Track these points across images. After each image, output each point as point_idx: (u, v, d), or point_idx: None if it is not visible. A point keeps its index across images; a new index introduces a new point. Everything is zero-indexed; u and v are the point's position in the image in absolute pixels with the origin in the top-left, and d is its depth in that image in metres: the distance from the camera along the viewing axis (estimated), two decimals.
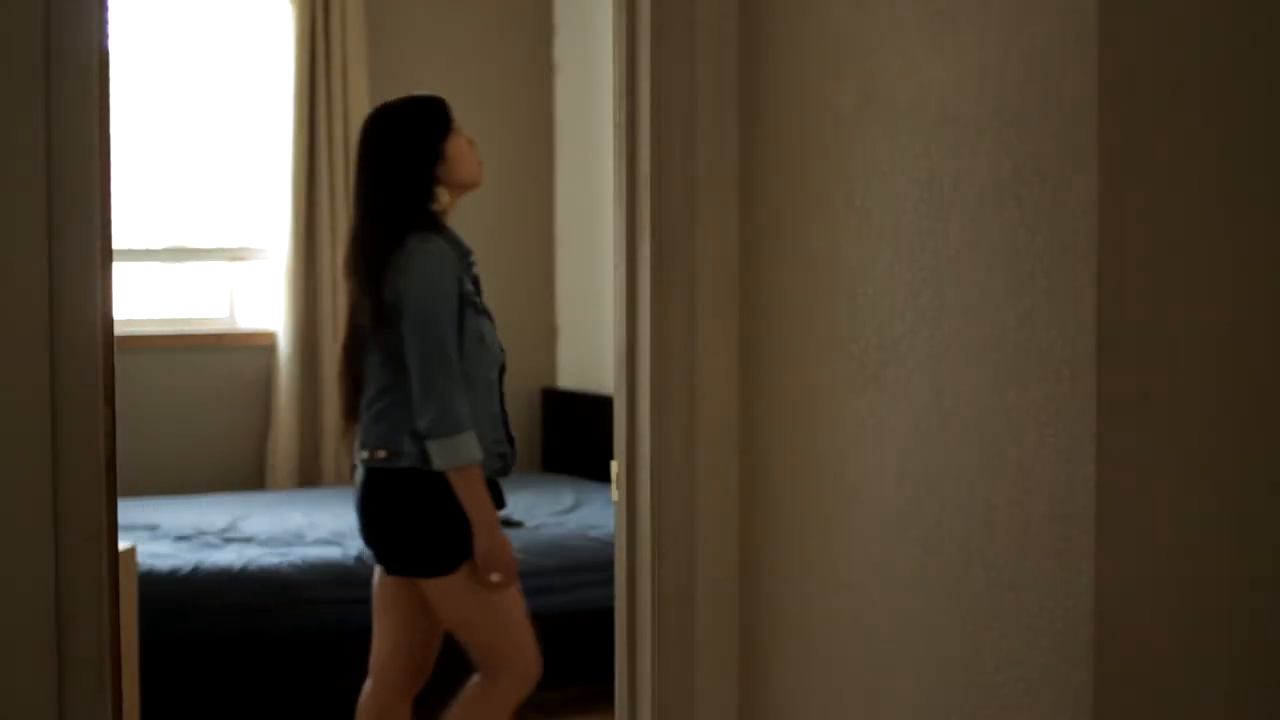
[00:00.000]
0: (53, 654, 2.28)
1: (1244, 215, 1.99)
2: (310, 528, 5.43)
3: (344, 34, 6.52)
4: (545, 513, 5.72)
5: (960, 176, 2.13)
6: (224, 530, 5.41)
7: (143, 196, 6.45)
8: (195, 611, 4.78)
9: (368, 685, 3.83)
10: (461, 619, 3.69)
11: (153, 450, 6.29)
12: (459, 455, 3.49)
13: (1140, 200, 1.93)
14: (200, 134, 6.57)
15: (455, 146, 3.65)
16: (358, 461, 3.69)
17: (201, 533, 5.36)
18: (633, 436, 2.74)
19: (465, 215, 6.98)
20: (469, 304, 3.58)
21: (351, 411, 3.69)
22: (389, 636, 3.77)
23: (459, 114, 3.70)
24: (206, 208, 6.62)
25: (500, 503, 3.67)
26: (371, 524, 3.70)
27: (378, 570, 3.78)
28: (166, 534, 5.32)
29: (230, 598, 4.83)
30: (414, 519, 3.61)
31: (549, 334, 6.98)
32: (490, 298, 3.71)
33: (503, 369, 3.71)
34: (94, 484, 2.30)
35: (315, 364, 6.59)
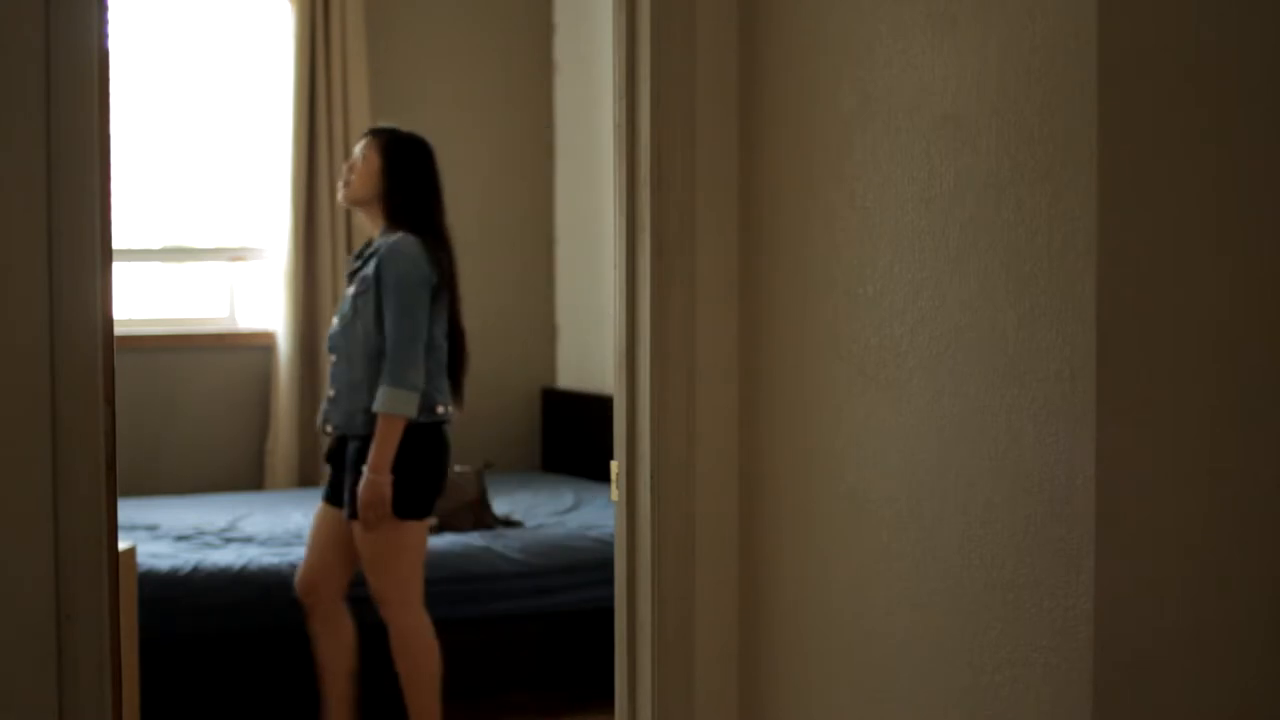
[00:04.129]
0: (53, 654, 2.28)
1: (1244, 214, 1.99)
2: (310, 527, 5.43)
3: (344, 34, 6.52)
4: (545, 513, 5.72)
5: (960, 176, 2.13)
6: (224, 530, 5.41)
7: (143, 196, 6.45)
8: (195, 611, 4.78)
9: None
10: None
11: (153, 450, 6.29)
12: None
13: (1140, 200, 1.93)
14: (200, 134, 6.57)
15: None
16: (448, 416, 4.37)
17: (201, 533, 5.35)
18: (633, 436, 2.74)
19: (465, 215, 7.00)
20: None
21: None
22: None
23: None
24: (206, 208, 6.62)
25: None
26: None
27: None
28: (166, 534, 5.32)
29: (230, 598, 4.83)
30: None
31: (549, 334, 6.97)
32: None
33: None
34: (94, 484, 2.30)
35: (315, 364, 6.58)
